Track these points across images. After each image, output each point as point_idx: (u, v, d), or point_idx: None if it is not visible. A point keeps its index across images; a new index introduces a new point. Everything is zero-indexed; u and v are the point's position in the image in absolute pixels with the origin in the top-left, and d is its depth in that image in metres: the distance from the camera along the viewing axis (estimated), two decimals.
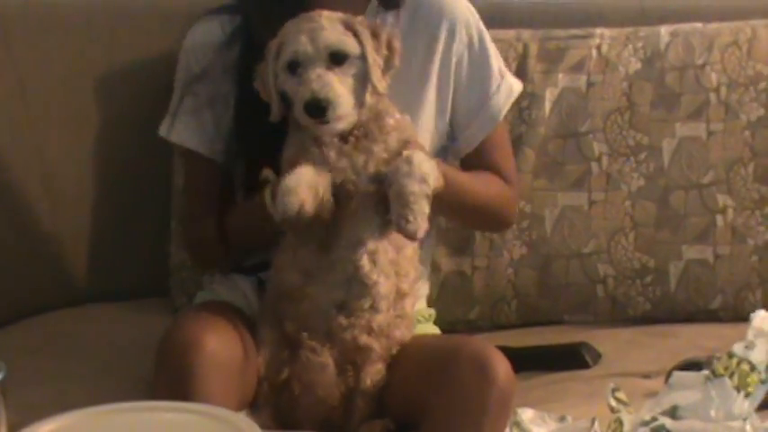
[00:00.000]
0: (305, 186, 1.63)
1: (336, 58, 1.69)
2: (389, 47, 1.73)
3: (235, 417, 1.15)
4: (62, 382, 1.86)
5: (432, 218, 1.67)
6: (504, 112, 1.96)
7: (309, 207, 1.62)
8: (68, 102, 2.22)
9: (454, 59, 1.93)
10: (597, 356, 2.06)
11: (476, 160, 1.95)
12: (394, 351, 1.75)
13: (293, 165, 1.66)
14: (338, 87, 1.67)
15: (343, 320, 1.71)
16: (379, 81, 1.71)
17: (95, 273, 2.26)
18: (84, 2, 2.27)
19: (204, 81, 1.89)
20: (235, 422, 1.12)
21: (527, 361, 2.03)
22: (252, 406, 1.72)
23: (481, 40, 1.95)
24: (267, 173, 1.71)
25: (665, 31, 2.30)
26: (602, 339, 2.12)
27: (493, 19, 2.24)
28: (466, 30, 1.93)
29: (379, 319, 1.72)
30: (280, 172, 1.69)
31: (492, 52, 1.96)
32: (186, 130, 1.92)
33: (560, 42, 2.29)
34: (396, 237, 1.71)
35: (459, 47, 1.93)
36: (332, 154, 1.69)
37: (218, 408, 1.21)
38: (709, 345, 2.04)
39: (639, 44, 2.28)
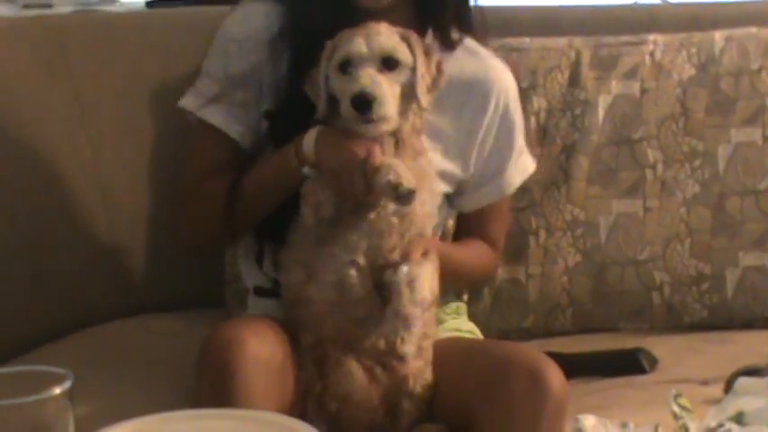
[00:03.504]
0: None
1: (388, 63, 1.70)
2: (438, 68, 1.75)
3: (299, 425, 1.14)
4: (120, 392, 1.87)
5: None
6: (514, 188, 1.99)
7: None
8: (125, 114, 2.23)
9: (484, 126, 1.93)
10: (654, 362, 2.06)
11: (471, 220, 1.98)
12: (425, 345, 1.76)
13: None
14: (386, 88, 1.68)
15: (358, 332, 1.72)
16: (424, 95, 1.72)
17: (151, 283, 2.27)
18: (140, 16, 2.30)
19: (242, 87, 1.89)
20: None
21: (583, 367, 2.03)
22: (306, 419, 1.72)
23: (512, 114, 1.95)
24: (319, 126, 1.74)
25: (719, 36, 2.29)
26: (659, 346, 2.11)
27: (545, 26, 2.24)
28: (502, 101, 1.94)
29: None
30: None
31: (519, 128, 1.97)
32: (215, 113, 1.90)
33: (613, 49, 2.28)
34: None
35: (493, 116, 1.93)
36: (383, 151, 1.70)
37: (283, 416, 1.21)
38: None
39: (693, 50, 2.27)
